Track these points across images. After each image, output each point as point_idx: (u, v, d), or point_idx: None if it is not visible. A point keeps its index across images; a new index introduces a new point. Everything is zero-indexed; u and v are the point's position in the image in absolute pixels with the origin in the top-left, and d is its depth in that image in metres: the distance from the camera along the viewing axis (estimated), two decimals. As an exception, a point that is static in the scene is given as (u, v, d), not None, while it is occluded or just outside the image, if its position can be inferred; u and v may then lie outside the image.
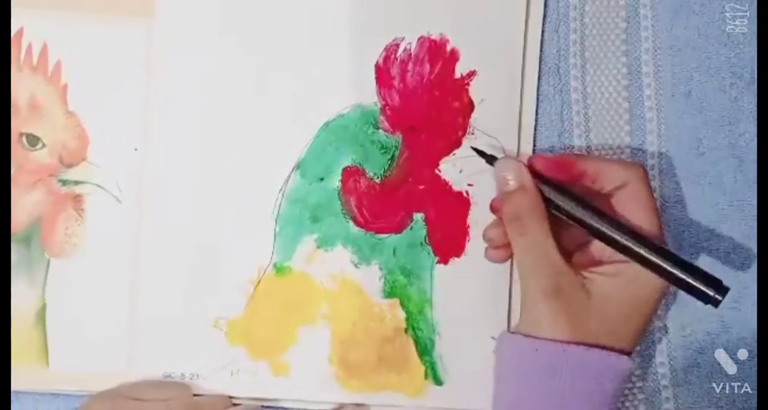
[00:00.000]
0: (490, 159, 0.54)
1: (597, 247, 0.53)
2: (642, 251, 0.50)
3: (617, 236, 0.51)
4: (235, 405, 0.57)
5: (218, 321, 0.58)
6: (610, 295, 0.51)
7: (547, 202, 0.52)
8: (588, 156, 0.57)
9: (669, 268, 0.50)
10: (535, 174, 0.53)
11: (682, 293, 0.58)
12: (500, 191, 0.53)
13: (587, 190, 0.53)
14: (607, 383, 0.51)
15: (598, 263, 0.53)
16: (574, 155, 0.57)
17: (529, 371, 0.51)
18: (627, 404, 0.58)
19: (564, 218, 0.52)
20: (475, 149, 0.56)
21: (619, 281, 0.51)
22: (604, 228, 0.51)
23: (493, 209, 0.54)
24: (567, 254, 0.53)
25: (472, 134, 0.58)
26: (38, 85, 0.58)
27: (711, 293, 0.50)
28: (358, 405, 0.58)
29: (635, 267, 0.51)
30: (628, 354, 0.52)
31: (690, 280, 0.50)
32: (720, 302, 0.50)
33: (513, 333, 0.53)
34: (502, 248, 0.55)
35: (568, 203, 0.52)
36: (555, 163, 0.53)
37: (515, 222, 0.52)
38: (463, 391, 0.58)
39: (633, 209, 0.52)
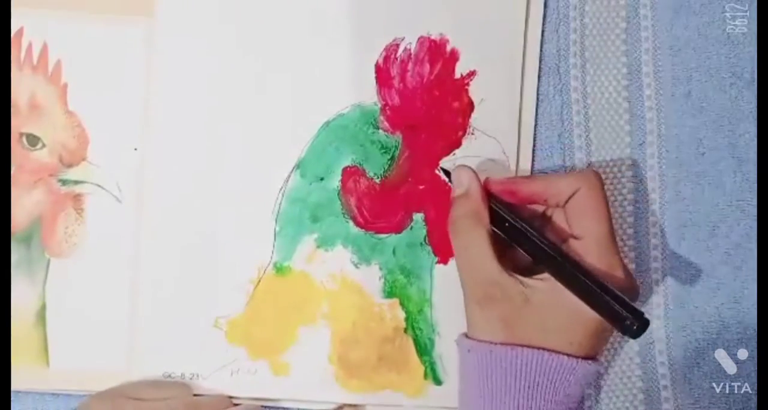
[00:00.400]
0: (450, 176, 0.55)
1: None
2: (562, 270, 0.51)
3: (542, 255, 0.51)
4: (235, 405, 0.57)
5: (218, 321, 0.58)
6: (548, 302, 0.51)
7: (495, 220, 0.53)
8: (536, 177, 0.57)
9: (588, 291, 0.50)
10: (490, 195, 0.54)
11: (681, 294, 0.58)
12: (451, 196, 0.54)
13: (546, 205, 0.54)
14: (545, 381, 0.50)
15: (541, 271, 0.52)
16: (522, 178, 0.57)
17: (468, 371, 0.52)
18: (627, 404, 0.58)
19: (503, 236, 0.53)
20: (443, 170, 0.57)
21: (558, 290, 0.51)
22: (532, 246, 0.52)
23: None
24: (519, 267, 0.53)
25: (472, 134, 0.58)
26: (38, 84, 0.58)
27: (628, 322, 0.49)
28: (355, 405, 0.58)
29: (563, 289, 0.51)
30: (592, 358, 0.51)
31: (609, 307, 0.49)
32: (636, 331, 0.49)
33: (463, 334, 0.53)
34: None
35: (506, 224, 0.53)
36: (503, 186, 0.54)
37: (453, 225, 0.53)
38: (463, 391, 0.58)
39: (581, 216, 0.52)
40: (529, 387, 0.50)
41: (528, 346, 0.50)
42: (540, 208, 0.55)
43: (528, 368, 0.50)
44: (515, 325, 0.51)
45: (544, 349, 0.50)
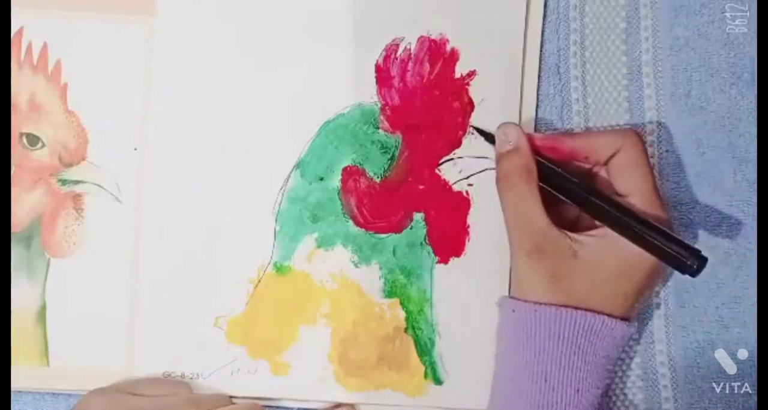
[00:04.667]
0: (489, 138, 0.56)
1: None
2: (617, 219, 0.52)
3: (594, 206, 0.53)
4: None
5: (218, 320, 0.58)
6: (597, 257, 0.52)
7: (541, 177, 0.54)
8: (578, 134, 0.57)
9: (643, 235, 0.51)
10: (533, 151, 0.54)
11: (681, 294, 0.58)
12: (498, 153, 0.55)
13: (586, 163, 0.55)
14: (585, 342, 0.51)
15: (591, 227, 0.54)
16: (564, 134, 0.58)
17: (509, 331, 0.53)
18: (627, 404, 0.58)
19: (552, 190, 0.54)
20: (476, 128, 0.57)
21: (607, 244, 0.52)
22: (583, 199, 0.53)
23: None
24: (564, 224, 0.54)
25: (472, 133, 0.58)
26: (38, 84, 0.58)
27: (687, 260, 0.50)
28: (352, 404, 0.58)
29: (619, 238, 0.52)
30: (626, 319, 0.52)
31: (665, 247, 0.51)
32: (695, 270, 0.50)
33: (504, 296, 0.55)
34: None
35: (555, 178, 0.54)
36: (546, 142, 0.55)
37: (504, 180, 0.54)
38: (463, 391, 0.58)
39: (626, 174, 0.53)
40: (570, 347, 0.51)
41: (572, 307, 0.51)
42: (584, 166, 0.55)
43: (571, 328, 0.51)
44: (563, 279, 0.52)
45: (588, 309, 0.51)
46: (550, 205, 0.54)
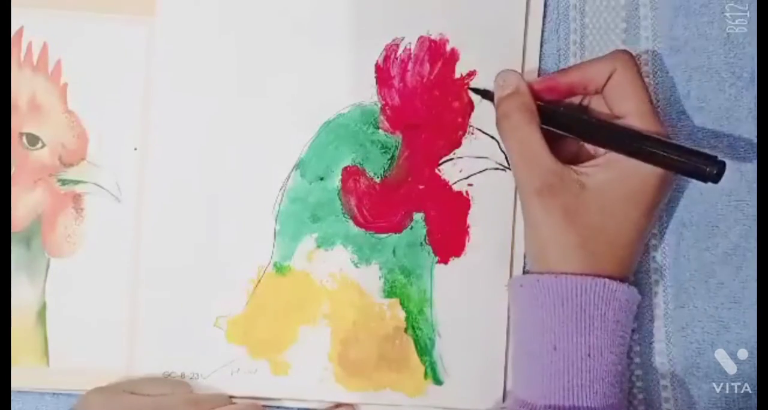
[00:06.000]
0: (486, 94, 0.57)
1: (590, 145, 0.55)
2: (626, 141, 0.52)
3: (602, 133, 0.53)
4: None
5: (218, 320, 0.58)
6: (604, 185, 0.52)
7: (542, 119, 0.54)
8: (571, 68, 0.57)
9: (656, 151, 0.51)
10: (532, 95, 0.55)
11: (681, 294, 0.58)
12: (497, 97, 0.55)
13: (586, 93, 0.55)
14: (592, 308, 0.51)
15: (590, 158, 0.54)
16: (558, 71, 0.57)
17: (520, 306, 0.54)
18: (627, 404, 0.58)
19: (555, 130, 0.54)
20: (473, 89, 0.58)
21: (612, 171, 0.52)
22: (590, 129, 0.54)
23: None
24: (565, 161, 0.54)
25: (472, 133, 0.58)
26: (38, 84, 0.58)
27: (707, 168, 0.50)
28: (351, 404, 0.58)
29: (628, 160, 0.52)
30: (624, 279, 0.53)
31: (683, 159, 0.51)
32: (716, 175, 0.50)
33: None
34: None
35: (556, 117, 0.54)
36: (543, 84, 0.55)
37: (505, 120, 0.54)
38: (463, 391, 0.58)
39: (621, 95, 0.53)
40: (577, 314, 0.51)
41: (582, 276, 0.51)
42: (574, 102, 0.56)
43: (573, 293, 0.51)
44: (575, 213, 0.52)
45: (599, 275, 0.51)
46: (550, 144, 0.54)
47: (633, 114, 0.53)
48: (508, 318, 0.58)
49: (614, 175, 0.52)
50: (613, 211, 0.52)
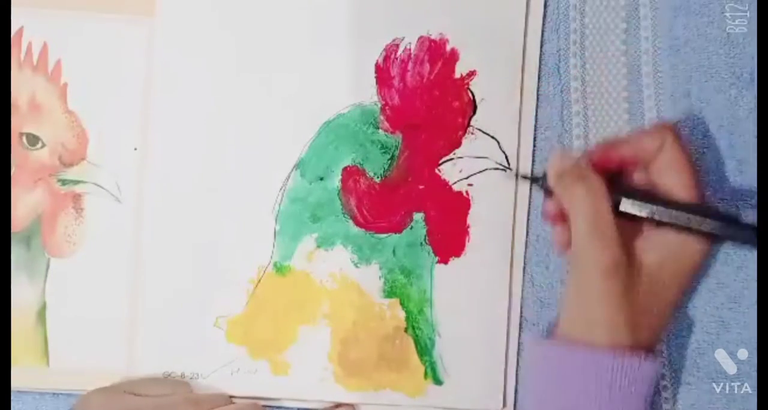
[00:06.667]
0: (536, 181, 0.56)
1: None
2: (697, 224, 0.52)
3: (672, 215, 0.52)
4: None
5: (218, 320, 0.58)
6: (660, 264, 0.52)
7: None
8: (615, 140, 0.55)
9: (724, 235, 0.52)
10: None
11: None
12: (562, 157, 0.53)
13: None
14: (614, 381, 0.51)
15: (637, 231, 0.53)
16: (604, 145, 0.55)
17: (543, 372, 0.53)
18: (627, 404, 0.58)
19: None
20: (524, 176, 0.57)
21: (667, 249, 0.52)
22: (657, 215, 0.52)
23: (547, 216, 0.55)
24: None
25: (472, 133, 0.58)
26: (38, 84, 0.58)
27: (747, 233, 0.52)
28: (351, 404, 0.58)
29: (679, 236, 0.52)
30: (649, 349, 0.52)
31: (740, 233, 0.52)
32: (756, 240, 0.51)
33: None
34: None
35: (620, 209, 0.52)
36: (595, 155, 0.53)
37: (581, 182, 0.51)
38: (463, 391, 0.58)
39: (673, 170, 0.52)
40: (598, 385, 0.50)
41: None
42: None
43: (599, 369, 0.50)
44: (631, 292, 0.51)
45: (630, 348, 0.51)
46: None
47: (680, 187, 0.52)
48: (509, 318, 0.58)
49: (668, 253, 0.52)
50: (662, 289, 0.52)
